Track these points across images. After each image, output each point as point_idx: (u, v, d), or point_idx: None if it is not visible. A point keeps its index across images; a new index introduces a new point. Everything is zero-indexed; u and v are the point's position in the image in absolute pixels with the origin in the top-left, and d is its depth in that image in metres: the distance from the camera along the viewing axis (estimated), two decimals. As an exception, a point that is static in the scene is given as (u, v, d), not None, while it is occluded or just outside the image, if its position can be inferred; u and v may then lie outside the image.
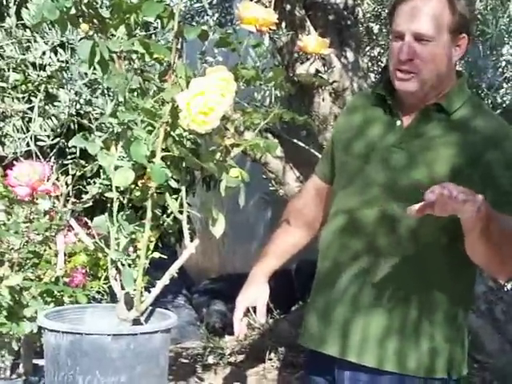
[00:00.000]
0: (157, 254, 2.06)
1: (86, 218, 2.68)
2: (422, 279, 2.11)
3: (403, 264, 2.10)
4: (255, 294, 2.36)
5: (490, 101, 3.76)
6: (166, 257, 2.24)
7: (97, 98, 3.24)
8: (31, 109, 3.31)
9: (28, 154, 3.24)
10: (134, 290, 1.88)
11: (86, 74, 3.18)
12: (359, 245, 2.14)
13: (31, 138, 3.24)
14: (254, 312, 2.38)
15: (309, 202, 2.39)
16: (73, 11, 1.84)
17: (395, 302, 2.11)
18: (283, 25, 3.49)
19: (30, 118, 3.31)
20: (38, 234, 2.51)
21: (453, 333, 2.14)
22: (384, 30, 4.52)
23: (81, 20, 1.89)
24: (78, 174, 2.74)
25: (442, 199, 1.82)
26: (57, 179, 2.58)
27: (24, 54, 3.32)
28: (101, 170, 2.08)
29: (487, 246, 1.96)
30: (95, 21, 1.88)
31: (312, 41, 2.10)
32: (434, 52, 2.08)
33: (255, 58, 2.06)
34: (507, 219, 2.00)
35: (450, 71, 2.15)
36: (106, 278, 2.77)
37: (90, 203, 2.82)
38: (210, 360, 4.73)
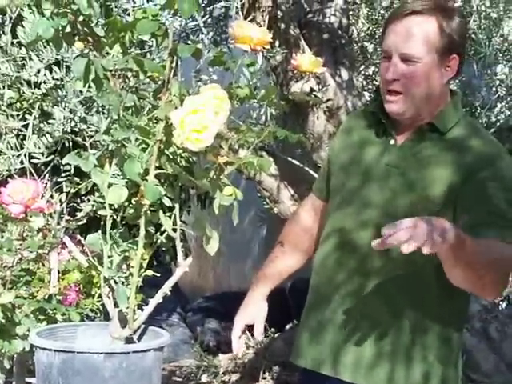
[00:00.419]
0: (150, 272, 2.05)
1: (79, 236, 2.67)
2: (414, 300, 2.10)
3: (396, 285, 2.09)
4: (253, 312, 2.36)
5: (484, 119, 3.78)
6: (159, 275, 2.24)
7: (92, 115, 3.24)
8: (26, 126, 3.31)
9: (22, 172, 3.24)
10: (127, 308, 1.88)
11: (80, 91, 3.19)
12: (352, 266, 2.14)
13: (25, 156, 3.24)
14: (249, 331, 2.38)
15: (307, 225, 2.37)
16: (68, 29, 1.84)
17: (388, 323, 2.10)
18: (277, 43, 3.51)
19: (25, 136, 3.31)
20: (31, 252, 2.51)
21: (446, 353, 2.13)
22: (378, 49, 4.54)
23: (76, 38, 1.89)
24: (73, 191, 2.74)
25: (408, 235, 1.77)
26: (51, 197, 2.58)
27: (19, 72, 3.33)
28: (95, 188, 2.08)
29: (465, 273, 1.94)
30: (90, 39, 1.89)
31: (306, 60, 2.10)
32: (420, 72, 2.07)
33: (249, 76, 2.07)
34: (489, 244, 1.96)
35: (441, 91, 2.14)
36: (100, 295, 2.77)
37: (84, 221, 2.82)
38: (204, 379, 4.72)
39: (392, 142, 2.16)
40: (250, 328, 2.38)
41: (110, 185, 1.84)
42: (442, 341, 2.12)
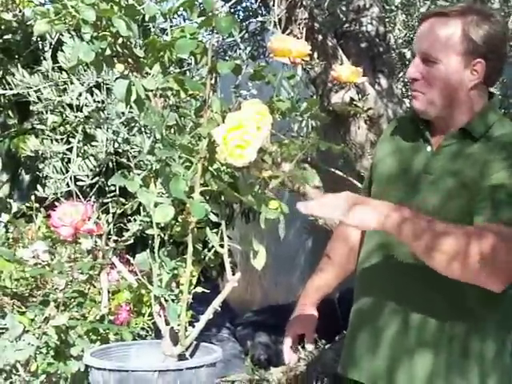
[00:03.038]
0: (200, 289, 2.06)
1: (127, 256, 2.70)
2: (465, 313, 2.06)
3: (444, 299, 2.06)
4: (304, 321, 2.37)
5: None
6: (208, 291, 2.25)
7: (134, 135, 3.27)
8: (70, 150, 3.35)
9: (68, 195, 3.28)
10: (179, 325, 1.89)
11: (122, 113, 3.22)
12: (397, 278, 2.11)
13: (71, 179, 3.28)
14: (300, 342, 2.38)
15: (351, 237, 2.37)
16: (108, 52, 1.86)
17: (440, 337, 2.07)
18: (315, 55, 3.51)
19: (69, 159, 3.35)
20: (81, 273, 2.54)
21: (501, 362, 2.10)
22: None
23: (116, 60, 1.91)
24: (119, 212, 2.77)
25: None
26: (98, 218, 2.61)
27: (61, 96, 3.37)
28: (140, 207, 2.09)
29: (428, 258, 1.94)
30: (130, 60, 1.90)
31: (345, 70, 2.10)
32: (438, 74, 2.06)
33: (289, 89, 2.07)
34: (457, 231, 1.93)
35: (469, 95, 2.10)
36: (150, 314, 2.79)
37: (132, 240, 2.85)
38: (257, 392, 4.72)
39: (429, 148, 2.14)
40: (300, 338, 2.38)
41: (156, 204, 1.85)
42: (497, 350, 2.09)
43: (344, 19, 3.90)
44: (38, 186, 3.37)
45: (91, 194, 3.37)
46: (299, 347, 2.40)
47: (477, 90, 2.12)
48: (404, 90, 4.57)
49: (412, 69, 2.09)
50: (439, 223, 1.94)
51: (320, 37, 3.62)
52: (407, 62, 4.55)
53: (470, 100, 2.11)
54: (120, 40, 1.87)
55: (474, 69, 2.07)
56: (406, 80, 4.65)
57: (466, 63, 2.06)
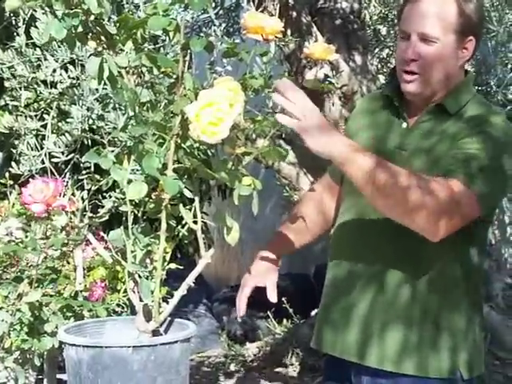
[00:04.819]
0: (173, 265, 2.07)
1: (102, 232, 2.70)
2: (437, 284, 2.08)
3: (416, 272, 2.08)
4: (265, 272, 2.29)
5: (500, 97, 3.76)
6: (182, 267, 2.26)
7: (108, 112, 3.26)
8: (44, 126, 3.34)
9: (43, 171, 3.27)
10: (152, 301, 1.90)
11: (96, 89, 3.21)
12: (371, 251, 2.13)
13: (46, 155, 3.27)
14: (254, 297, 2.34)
15: (320, 202, 2.37)
16: (80, 29, 1.85)
17: (412, 310, 2.09)
18: (290, 32, 3.51)
19: (44, 136, 3.34)
20: (55, 250, 2.54)
21: (472, 336, 2.13)
22: (392, 32, 4.54)
23: (88, 37, 1.90)
24: (94, 188, 2.77)
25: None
26: (72, 195, 2.60)
27: (35, 73, 3.35)
28: (116, 184, 2.09)
29: (377, 197, 1.95)
30: (103, 37, 1.90)
31: (318, 48, 2.10)
32: (438, 53, 2.07)
33: (262, 66, 2.07)
34: (421, 178, 1.96)
35: (457, 73, 2.13)
36: (126, 290, 2.80)
37: (107, 217, 2.85)
38: (232, 367, 4.75)
39: (404, 125, 2.16)
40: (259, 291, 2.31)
41: (129, 181, 1.85)
42: (467, 323, 2.12)
43: (319, -4, 3.90)
44: (13, 163, 3.36)
45: (66, 170, 3.37)
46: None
47: (461, 68, 2.15)
48: (379, 66, 4.58)
49: (411, 49, 2.08)
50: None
51: (294, 13, 3.62)
52: (382, 39, 4.57)
53: (456, 78, 2.13)
54: (92, 17, 1.86)
55: (465, 46, 2.10)
56: (381, 56, 4.66)
57: (460, 41, 2.08)
